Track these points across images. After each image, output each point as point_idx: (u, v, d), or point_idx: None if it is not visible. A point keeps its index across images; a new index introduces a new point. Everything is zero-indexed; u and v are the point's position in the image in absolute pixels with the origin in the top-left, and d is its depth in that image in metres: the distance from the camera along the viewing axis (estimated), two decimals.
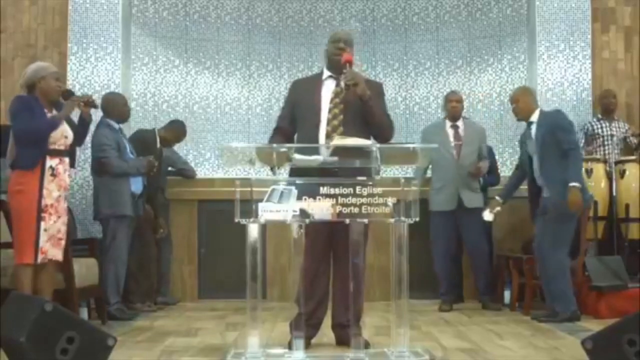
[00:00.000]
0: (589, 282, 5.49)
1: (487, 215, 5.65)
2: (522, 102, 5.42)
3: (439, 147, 6.03)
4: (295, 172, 3.76)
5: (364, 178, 3.60)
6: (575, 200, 5.04)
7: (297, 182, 3.58)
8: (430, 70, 7.63)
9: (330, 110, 4.09)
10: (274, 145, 3.76)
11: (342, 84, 4.03)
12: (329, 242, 4.05)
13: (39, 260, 4.31)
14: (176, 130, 6.52)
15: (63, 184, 4.45)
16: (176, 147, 6.82)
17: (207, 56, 7.53)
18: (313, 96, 4.15)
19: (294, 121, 4.21)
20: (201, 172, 7.27)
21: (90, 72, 6.69)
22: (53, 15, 6.85)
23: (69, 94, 4.59)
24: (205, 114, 7.51)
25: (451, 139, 6.14)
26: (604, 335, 3.18)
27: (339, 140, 3.78)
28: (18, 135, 4.35)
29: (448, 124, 6.22)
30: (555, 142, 5.16)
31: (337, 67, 4.12)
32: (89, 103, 4.66)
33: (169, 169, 6.68)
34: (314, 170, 3.71)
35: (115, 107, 5.76)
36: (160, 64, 7.36)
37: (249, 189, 3.52)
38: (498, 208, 5.60)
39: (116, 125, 5.72)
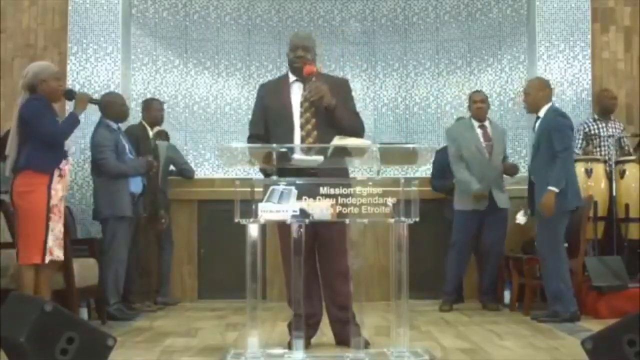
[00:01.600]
0: (589, 282, 5.49)
1: (521, 218, 5.60)
2: (532, 96, 5.37)
3: (470, 147, 6.03)
4: (282, 172, 3.70)
5: (345, 178, 3.63)
6: (546, 204, 5.07)
7: (297, 182, 3.58)
8: (430, 71, 7.63)
9: (302, 115, 4.09)
10: (274, 145, 3.76)
11: (308, 95, 4.04)
12: (313, 243, 4.05)
13: (47, 260, 4.32)
14: (151, 106, 6.37)
15: (67, 185, 4.49)
16: (177, 146, 6.85)
17: (207, 56, 7.53)
18: (283, 100, 4.15)
19: (267, 125, 4.20)
20: (201, 172, 7.28)
21: (90, 72, 6.69)
22: (53, 15, 6.85)
23: (70, 93, 4.59)
24: (205, 114, 7.52)
25: (481, 139, 6.14)
26: (603, 336, 3.18)
27: (339, 140, 3.79)
28: (48, 137, 4.32)
29: (476, 124, 6.20)
30: (549, 141, 5.16)
31: (299, 74, 4.13)
32: (93, 101, 4.74)
33: (171, 168, 6.69)
34: (293, 171, 3.69)
35: (114, 107, 5.76)
36: (160, 64, 7.36)
37: (249, 189, 3.52)
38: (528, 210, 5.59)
39: (115, 126, 5.72)
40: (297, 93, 4.15)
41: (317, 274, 4.18)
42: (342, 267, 3.94)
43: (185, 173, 6.80)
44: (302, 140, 4.04)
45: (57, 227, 4.38)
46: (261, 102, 4.27)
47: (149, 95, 7.06)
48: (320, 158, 3.73)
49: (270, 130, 4.18)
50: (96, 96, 6.25)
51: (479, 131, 6.17)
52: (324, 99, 4.01)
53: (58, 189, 4.36)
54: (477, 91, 6.49)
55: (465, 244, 6.10)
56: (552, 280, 5.19)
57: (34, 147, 4.33)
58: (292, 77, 4.22)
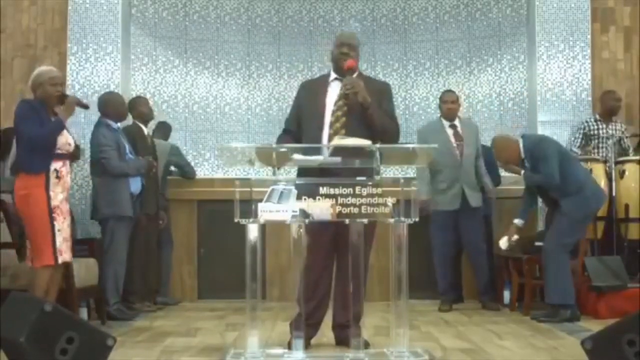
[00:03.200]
0: (589, 282, 5.50)
1: (504, 244, 5.52)
2: (508, 160, 5.49)
3: (441, 147, 6.06)
4: (301, 172, 3.79)
5: (364, 178, 3.61)
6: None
7: (297, 182, 3.58)
8: (430, 71, 7.63)
9: (333, 113, 4.09)
10: (274, 145, 3.77)
11: (343, 88, 4.04)
12: (333, 242, 4.04)
13: (60, 261, 4.33)
14: (138, 103, 6.24)
15: (66, 185, 4.47)
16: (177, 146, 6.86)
17: (207, 56, 7.53)
18: (318, 98, 4.16)
19: (300, 123, 4.22)
20: (201, 172, 7.28)
21: (90, 72, 6.69)
22: (53, 15, 6.84)
23: (62, 98, 4.52)
24: (205, 114, 7.52)
25: (452, 139, 6.15)
26: (603, 336, 3.18)
27: (338, 140, 3.78)
28: (28, 140, 4.34)
29: (446, 124, 6.22)
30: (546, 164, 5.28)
31: (342, 71, 4.14)
32: (81, 105, 4.64)
33: (172, 168, 6.68)
34: (317, 171, 3.72)
35: (113, 107, 5.76)
36: (159, 64, 7.36)
37: (248, 189, 3.52)
38: (516, 236, 5.51)
39: (115, 125, 5.72)
40: (333, 92, 4.16)
41: (331, 274, 4.16)
42: (356, 270, 3.89)
43: (187, 175, 6.79)
44: (330, 139, 4.01)
45: (63, 228, 4.38)
46: (298, 100, 4.31)
47: (148, 95, 7.08)
48: (320, 158, 3.73)
49: (302, 128, 4.19)
50: (96, 97, 6.28)
51: (449, 131, 6.19)
52: (358, 94, 3.99)
53: (57, 191, 4.36)
54: (448, 91, 6.50)
55: (444, 245, 6.12)
56: (558, 276, 5.19)
57: (23, 149, 4.38)
58: (332, 76, 4.24)
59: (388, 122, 4.14)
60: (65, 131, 4.47)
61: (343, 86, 4.04)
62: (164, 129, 6.80)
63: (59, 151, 4.41)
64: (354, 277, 3.68)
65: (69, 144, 4.49)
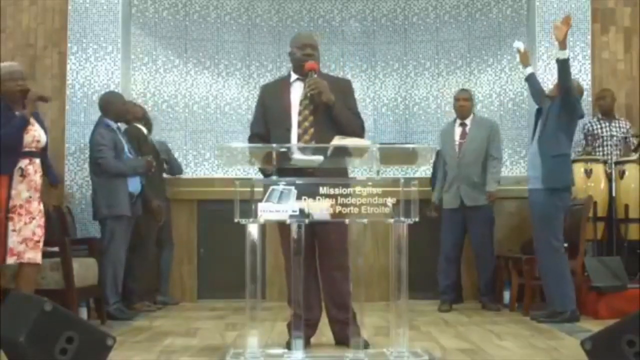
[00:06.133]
0: (589, 282, 5.50)
1: (519, 44, 5.83)
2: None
3: (447, 146, 6.13)
4: (280, 172, 3.69)
5: (344, 179, 3.63)
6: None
7: (297, 182, 3.58)
8: (430, 71, 7.62)
9: (300, 113, 4.11)
10: (274, 145, 3.76)
11: (307, 89, 4.05)
12: (312, 242, 4.05)
13: (9, 261, 4.28)
14: (140, 110, 6.31)
15: (33, 184, 4.39)
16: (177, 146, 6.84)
17: (207, 56, 7.53)
18: (282, 99, 4.17)
19: (267, 125, 4.22)
20: (201, 172, 7.28)
21: (90, 72, 6.69)
22: (53, 15, 6.84)
23: (25, 93, 4.44)
24: (204, 113, 7.51)
25: (456, 137, 6.20)
26: (603, 336, 3.19)
27: (338, 140, 3.78)
28: None
29: (457, 122, 6.26)
30: (560, 111, 5.21)
31: (304, 71, 4.14)
32: (42, 99, 4.56)
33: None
34: (291, 171, 3.69)
35: (113, 106, 5.77)
36: (160, 63, 7.35)
37: (248, 189, 3.52)
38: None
39: (114, 125, 5.72)
40: (297, 92, 4.17)
41: (316, 273, 4.18)
42: (341, 266, 3.95)
43: (171, 170, 6.69)
44: (299, 138, 4.04)
45: (26, 229, 4.33)
46: (261, 103, 4.31)
47: (148, 95, 7.08)
48: (320, 158, 3.73)
49: (269, 130, 4.20)
50: (96, 96, 6.29)
51: (457, 129, 6.25)
52: (322, 94, 4.01)
53: (20, 190, 4.32)
54: (462, 89, 6.56)
55: (448, 243, 6.14)
56: (550, 279, 5.19)
57: None
58: (293, 77, 4.24)
59: (353, 120, 4.17)
60: (34, 128, 4.42)
61: (306, 87, 4.06)
62: (146, 125, 6.72)
63: (25, 149, 4.36)
64: (344, 273, 3.76)
65: (37, 140, 4.43)
